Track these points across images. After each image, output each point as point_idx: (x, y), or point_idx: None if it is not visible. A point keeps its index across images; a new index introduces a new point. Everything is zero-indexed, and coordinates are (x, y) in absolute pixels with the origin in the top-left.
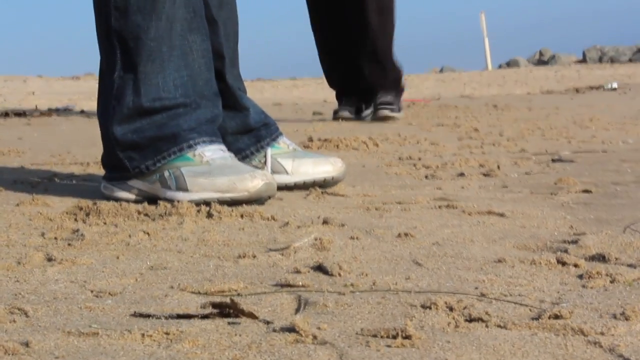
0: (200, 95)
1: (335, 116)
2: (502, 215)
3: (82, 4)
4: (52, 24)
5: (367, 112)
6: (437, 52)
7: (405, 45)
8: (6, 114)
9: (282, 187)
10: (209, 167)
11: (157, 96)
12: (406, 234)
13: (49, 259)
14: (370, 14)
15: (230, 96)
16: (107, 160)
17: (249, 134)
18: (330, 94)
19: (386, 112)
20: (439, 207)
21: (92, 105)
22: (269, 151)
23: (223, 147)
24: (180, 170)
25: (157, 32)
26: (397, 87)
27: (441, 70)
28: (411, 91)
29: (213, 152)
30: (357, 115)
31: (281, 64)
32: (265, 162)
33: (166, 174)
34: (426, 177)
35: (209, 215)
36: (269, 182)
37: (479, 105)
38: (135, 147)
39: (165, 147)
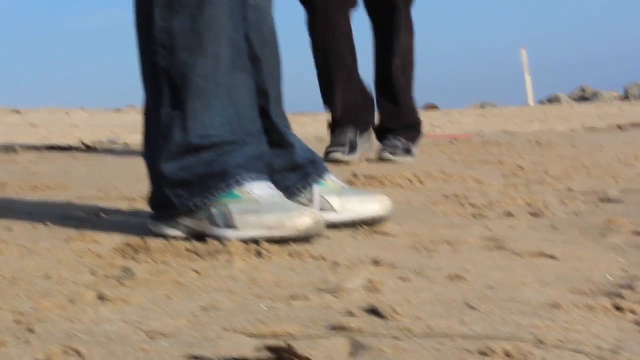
0: (246, 132)
1: (327, 158)
2: (553, 257)
3: (121, 37)
4: (94, 56)
5: (365, 146)
6: (477, 87)
7: (445, 80)
8: (51, 147)
9: (329, 225)
10: (257, 205)
11: (204, 133)
12: (457, 276)
13: (101, 298)
14: (394, 55)
15: (276, 133)
16: (155, 198)
17: (295, 171)
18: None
19: (389, 156)
20: (489, 247)
21: (135, 138)
22: (316, 188)
23: (270, 184)
24: (229, 208)
25: (203, 69)
26: (411, 132)
27: (482, 106)
28: (452, 126)
29: (261, 189)
30: (351, 153)
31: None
32: (312, 200)
33: (214, 211)
34: (473, 216)
35: (258, 253)
36: (317, 220)
37: (521, 142)
38: (184, 185)
39: (214, 184)
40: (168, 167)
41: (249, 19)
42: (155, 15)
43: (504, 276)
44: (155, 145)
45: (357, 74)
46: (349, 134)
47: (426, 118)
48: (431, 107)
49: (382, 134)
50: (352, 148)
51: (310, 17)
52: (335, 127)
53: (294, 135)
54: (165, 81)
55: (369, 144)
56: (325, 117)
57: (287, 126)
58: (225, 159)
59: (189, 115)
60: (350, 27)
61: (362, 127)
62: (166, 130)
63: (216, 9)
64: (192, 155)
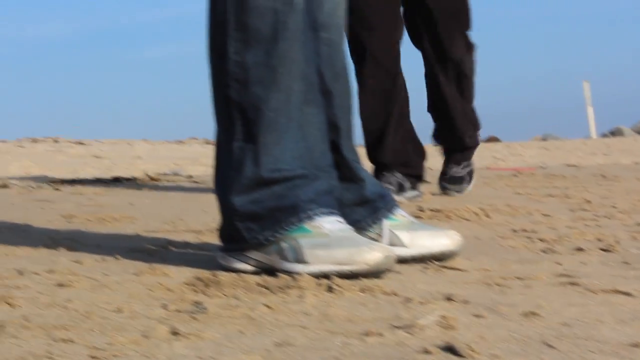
0: (317, 167)
1: None
2: (628, 294)
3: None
4: (155, 89)
5: (412, 193)
6: (539, 120)
7: (506, 112)
8: (116, 179)
9: (398, 260)
10: (328, 239)
11: (276, 167)
12: (532, 313)
13: (174, 333)
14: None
15: (346, 168)
16: (225, 231)
17: (365, 206)
18: (435, 162)
19: (452, 193)
20: (562, 284)
21: (198, 170)
22: (386, 223)
23: (341, 218)
24: (299, 242)
25: (276, 103)
26: (467, 158)
27: (543, 138)
28: (515, 159)
29: (331, 224)
30: (399, 194)
31: None
32: (381, 234)
33: (284, 245)
34: (543, 251)
35: (330, 289)
36: (388, 255)
37: (586, 175)
38: (254, 218)
39: (284, 218)
40: (239, 200)
41: (322, 53)
42: (229, 49)
43: (580, 313)
44: (227, 178)
45: (409, 119)
46: (398, 176)
47: (488, 151)
48: (493, 139)
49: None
50: (401, 188)
51: (359, 64)
52: (382, 171)
53: (365, 170)
54: (238, 114)
55: (419, 192)
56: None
57: (357, 160)
58: (296, 193)
59: (261, 149)
60: (399, 67)
61: (413, 174)
62: (238, 164)
63: (290, 43)
64: (263, 188)
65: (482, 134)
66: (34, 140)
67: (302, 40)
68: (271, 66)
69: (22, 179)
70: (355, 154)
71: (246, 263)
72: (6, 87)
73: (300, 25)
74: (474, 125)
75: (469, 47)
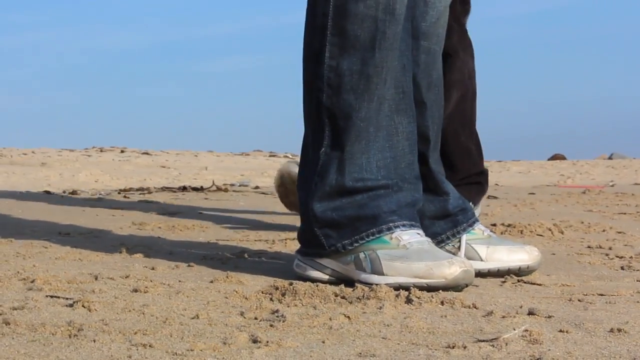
0: (402, 178)
1: None
2: None
3: (248, 83)
4: (221, 101)
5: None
6: (605, 138)
7: (572, 130)
8: (184, 188)
9: (475, 274)
10: (406, 251)
11: (359, 176)
12: (619, 330)
13: (254, 341)
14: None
15: (432, 180)
16: (304, 235)
17: (445, 219)
18: (502, 178)
19: None
20: None
21: (264, 181)
22: (464, 237)
23: (421, 231)
24: (377, 253)
25: (367, 112)
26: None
27: (610, 157)
28: (582, 177)
29: (410, 236)
30: None
31: None
32: (460, 248)
33: (361, 255)
34: (622, 268)
35: (408, 300)
36: (466, 270)
37: None
38: (334, 225)
39: (364, 227)
40: (320, 207)
41: (420, 62)
42: (325, 53)
43: None
44: (310, 183)
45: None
46: None
47: (554, 169)
48: (559, 157)
49: None
50: None
51: None
52: None
53: (449, 184)
54: (328, 120)
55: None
56: None
57: (443, 173)
58: (377, 203)
59: (347, 158)
60: None
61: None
62: (322, 170)
63: (387, 53)
64: (345, 197)
65: (548, 152)
66: (101, 150)
67: (401, 49)
68: (366, 75)
69: (90, 188)
70: (441, 166)
71: (322, 272)
72: (75, 97)
73: (399, 35)
74: None
75: None
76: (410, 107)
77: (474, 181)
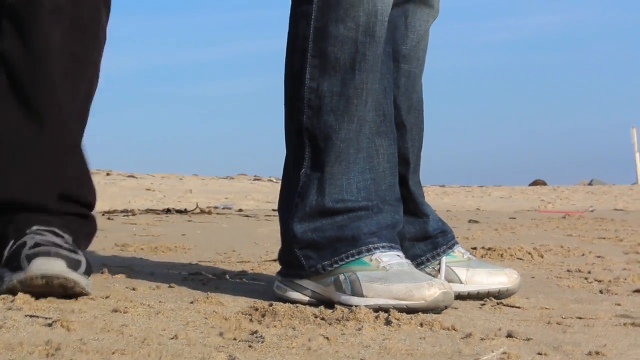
0: (382, 199)
1: None
2: None
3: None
4: (206, 125)
5: None
6: (585, 165)
7: (552, 156)
8: (168, 210)
9: (455, 297)
10: (386, 273)
11: (340, 197)
12: (597, 352)
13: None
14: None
15: (412, 202)
16: (284, 256)
17: (425, 241)
18: (483, 203)
19: None
20: (624, 324)
21: (249, 204)
22: (444, 259)
23: (401, 253)
24: (356, 275)
25: (347, 133)
26: None
27: (590, 183)
28: (562, 202)
29: (390, 258)
30: None
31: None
32: (439, 270)
33: (341, 277)
34: (601, 291)
35: (388, 322)
36: (446, 292)
37: (635, 219)
38: (314, 246)
39: (344, 249)
40: (300, 228)
41: (400, 85)
42: (306, 74)
43: None
44: (290, 203)
45: None
46: None
47: (535, 194)
48: (540, 183)
49: None
50: None
51: None
52: None
53: (429, 206)
54: (308, 141)
55: None
56: None
57: (423, 195)
58: (357, 224)
59: (327, 179)
60: None
61: None
62: (303, 191)
63: (368, 75)
64: (325, 218)
65: (530, 177)
66: None
67: (382, 72)
68: (346, 96)
69: None
70: (421, 188)
71: (301, 293)
72: None
73: (380, 57)
74: None
75: None
76: (391, 130)
77: None
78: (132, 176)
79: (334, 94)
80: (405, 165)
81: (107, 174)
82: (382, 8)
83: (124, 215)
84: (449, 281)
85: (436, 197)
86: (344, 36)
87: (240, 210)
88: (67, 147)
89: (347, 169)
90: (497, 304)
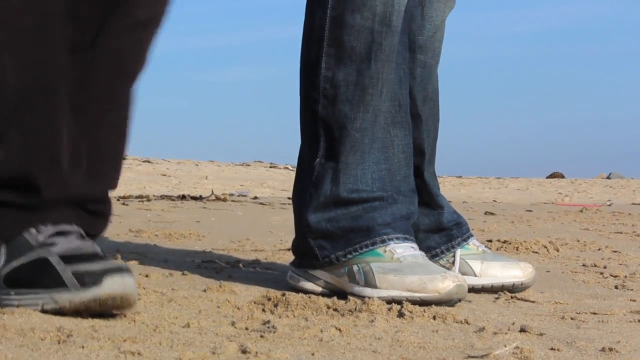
0: (397, 190)
1: None
2: None
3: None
4: (223, 112)
5: None
6: (604, 158)
7: (571, 149)
8: (183, 197)
9: (469, 289)
10: (399, 265)
11: (354, 187)
12: (610, 349)
13: (244, 351)
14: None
15: (427, 193)
16: (298, 246)
17: (440, 233)
18: (500, 195)
19: None
20: (638, 320)
21: (264, 192)
22: (459, 252)
23: (415, 245)
24: (370, 266)
25: (362, 123)
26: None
27: (608, 177)
28: (580, 196)
29: (404, 250)
30: None
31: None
32: (454, 263)
33: (355, 268)
34: (616, 287)
35: (400, 314)
36: (460, 284)
37: None
38: (328, 237)
39: (358, 239)
40: (314, 218)
41: (416, 76)
42: (322, 64)
43: None
44: (305, 193)
45: None
46: None
47: (553, 187)
48: (557, 175)
49: None
50: None
51: None
52: None
53: (444, 197)
54: (323, 131)
55: None
56: None
57: (438, 187)
58: (372, 215)
59: (342, 169)
60: None
61: None
62: (317, 181)
63: (383, 64)
64: (340, 208)
65: (547, 170)
66: None
67: (397, 62)
68: (362, 86)
69: None
70: (436, 180)
71: (315, 283)
72: None
73: (396, 47)
74: None
75: None
76: (407, 120)
77: None
78: (148, 161)
79: (350, 83)
80: (421, 156)
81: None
82: None
83: (139, 201)
84: (463, 274)
85: (453, 188)
86: (361, 25)
87: (256, 197)
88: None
89: (361, 159)
90: (511, 297)
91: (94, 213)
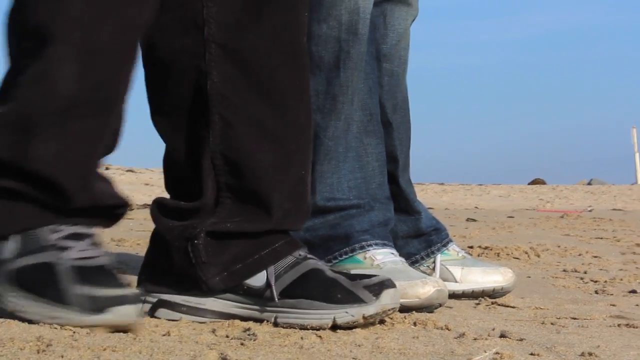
0: (373, 198)
1: None
2: None
3: None
4: None
5: None
6: (585, 165)
7: (553, 155)
8: None
9: (450, 295)
10: (379, 271)
11: (331, 196)
12: (590, 354)
13: (224, 359)
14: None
15: (403, 200)
16: None
17: (419, 238)
18: (482, 201)
19: None
20: (618, 325)
21: None
22: (439, 257)
23: (394, 251)
24: (350, 273)
25: (335, 131)
26: None
27: (589, 183)
28: (561, 202)
29: (384, 256)
30: None
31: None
32: (434, 269)
33: None
34: (596, 292)
35: (381, 321)
36: (440, 290)
37: (634, 220)
38: (307, 246)
39: (337, 247)
40: None
41: (384, 85)
42: None
43: (639, 356)
44: None
45: None
46: None
47: (534, 193)
48: (539, 182)
49: None
50: None
51: None
52: None
53: (420, 204)
54: None
55: None
56: None
57: (414, 193)
58: (350, 222)
59: (317, 177)
60: None
61: None
62: None
63: (352, 72)
64: (317, 217)
65: (529, 177)
66: None
67: (366, 71)
68: (332, 94)
69: None
70: (412, 186)
71: None
72: None
73: (364, 55)
74: None
75: None
76: (379, 129)
77: None
78: (131, 170)
79: (320, 92)
80: (394, 163)
81: (106, 168)
82: (364, 5)
83: None
84: (444, 280)
85: (435, 195)
86: (327, 35)
87: None
88: None
89: (337, 168)
90: (492, 303)
91: (114, 216)
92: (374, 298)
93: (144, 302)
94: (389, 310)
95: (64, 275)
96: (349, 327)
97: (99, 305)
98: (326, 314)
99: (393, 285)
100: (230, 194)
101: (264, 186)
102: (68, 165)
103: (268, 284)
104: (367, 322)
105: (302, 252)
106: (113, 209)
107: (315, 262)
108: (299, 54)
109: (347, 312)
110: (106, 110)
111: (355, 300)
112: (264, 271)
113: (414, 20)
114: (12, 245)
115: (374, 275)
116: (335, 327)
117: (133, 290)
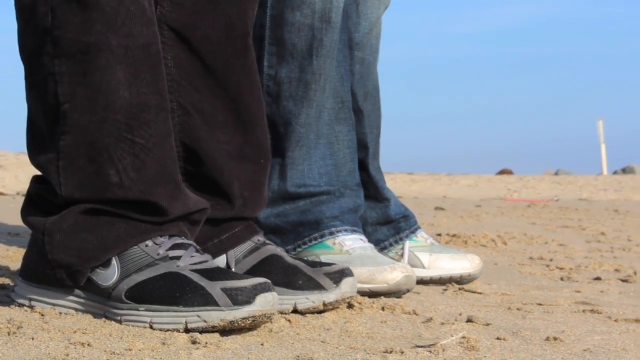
0: (344, 184)
1: None
2: None
3: None
4: None
5: None
6: (552, 155)
7: (520, 146)
8: None
9: (418, 281)
10: (348, 257)
11: (301, 182)
12: (555, 338)
13: (194, 342)
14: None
15: (372, 187)
16: None
17: (388, 225)
18: (450, 191)
19: None
20: (583, 311)
21: None
22: (407, 244)
23: (363, 237)
24: (319, 258)
25: (307, 118)
26: None
27: (556, 173)
28: (528, 191)
29: (353, 242)
30: None
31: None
32: (402, 255)
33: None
34: (562, 279)
35: (350, 305)
36: (408, 275)
37: (599, 209)
38: (277, 231)
39: (307, 233)
40: (263, 213)
41: (355, 72)
42: (264, 62)
43: (603, 341)
44: None
45: None
46: None
47: (502, 183)
48: (506, 172)
49: None
50: None
51: None
52: None
53: (389, 190)
54: (269, 128)
55: None
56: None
57: (383, 180)
58: (320, 209)
59: (288, 163)
60: None
61: None
62: None
63: (325, 60)
64: (287, 203)
65: (497, 167)
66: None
67: (338, 59)
68: (304, 82)
69: None
70: (381, 174)
71: None
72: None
73: (336, 43)
74: None
75: None
76: (350, 116)
77: None
78: None
79: (292, 79)
80: (365, 150)
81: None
82: None
83: None
84: (412, 266)
85: (404, 184)
86: (301, 22)
87: None
88: None
89: (307, 154)
90: (459, 289)
91: (196, 222)
92: (334, 285)
93: None
94: (347, 298)
95: (198, 279)
96: (309, 312)
97: (247, 296)
98: (287, 300)
99: (352, 274)
100: (189, 181)
101: (225, 175)
102: (149, 179)
103: (228, 268)
104: (326, 309)
105: (260, 238)
106: (194, 214)
107: (274, 248)
108: (248, 46)
109: (307, 298)
110: (161, 113)
111: (316, 286)
112: (224, 255)
113: (385, 9)
114: (114, 269)
115: (333, 263)
116: (295, 312)
117: (264, 279)
